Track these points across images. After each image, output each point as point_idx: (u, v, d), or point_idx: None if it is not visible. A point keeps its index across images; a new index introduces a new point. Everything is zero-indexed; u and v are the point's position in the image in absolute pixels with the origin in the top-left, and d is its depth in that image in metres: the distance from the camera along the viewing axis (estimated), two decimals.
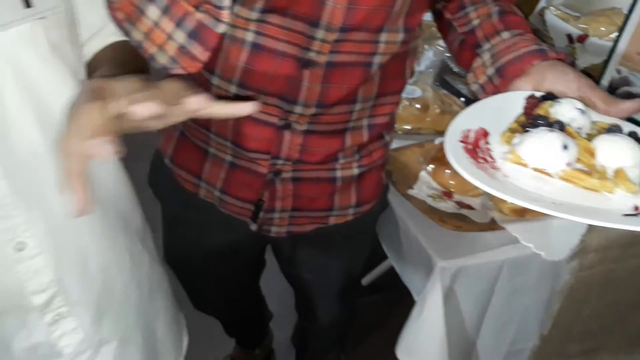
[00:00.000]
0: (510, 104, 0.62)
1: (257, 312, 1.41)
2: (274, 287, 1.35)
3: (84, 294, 0.60)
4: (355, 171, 0.85)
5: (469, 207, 0.97)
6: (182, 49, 0.57)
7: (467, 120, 0.59)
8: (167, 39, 0.56)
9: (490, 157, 0.56)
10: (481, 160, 0.54)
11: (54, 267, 0.56)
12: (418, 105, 1.17)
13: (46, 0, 0.49)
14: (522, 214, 0.94)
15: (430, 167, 1.02)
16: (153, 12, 0.55)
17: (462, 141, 0.56)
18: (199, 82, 0.74)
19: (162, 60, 0.57)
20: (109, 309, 0.64)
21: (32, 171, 0.51)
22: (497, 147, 0.57)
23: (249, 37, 0.68)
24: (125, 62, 0.60)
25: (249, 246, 1.02)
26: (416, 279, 0.98)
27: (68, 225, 0.56)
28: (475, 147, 0.56)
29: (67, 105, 0.45)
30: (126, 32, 0.57)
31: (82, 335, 0.61)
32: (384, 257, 1.10)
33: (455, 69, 1.43)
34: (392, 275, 1.11)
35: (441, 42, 1.57)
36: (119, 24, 0.57)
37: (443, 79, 1.46)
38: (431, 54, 1.39)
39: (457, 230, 0.91)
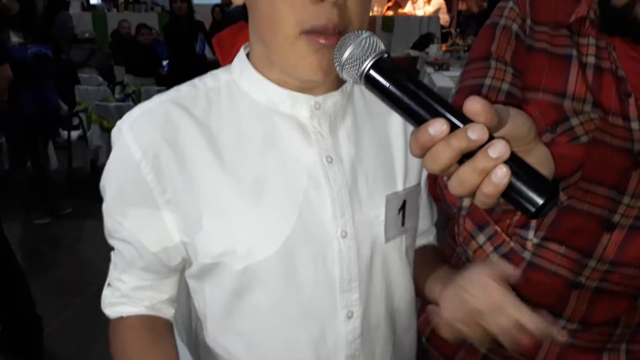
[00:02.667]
0: None
1: None
2: None
3: None
4: None
5: None
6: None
7: None
8: (486, 257, 0.76)
9: None
10: None
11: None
12: None
13: (410, 221, 0.73)
14: None
15: None
16: (481, 238, 0.75)
17: None
18: None
19: None
20: None
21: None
22: None
23: (527, 255, 0.83)
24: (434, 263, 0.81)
25: None
26: None
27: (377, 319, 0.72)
28: None
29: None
30: (464, 251, 0.78)
31: None
32: None
33: None
34: None
35: None
36: (458, 243, 0.80)
37: None
38: None
39: None
